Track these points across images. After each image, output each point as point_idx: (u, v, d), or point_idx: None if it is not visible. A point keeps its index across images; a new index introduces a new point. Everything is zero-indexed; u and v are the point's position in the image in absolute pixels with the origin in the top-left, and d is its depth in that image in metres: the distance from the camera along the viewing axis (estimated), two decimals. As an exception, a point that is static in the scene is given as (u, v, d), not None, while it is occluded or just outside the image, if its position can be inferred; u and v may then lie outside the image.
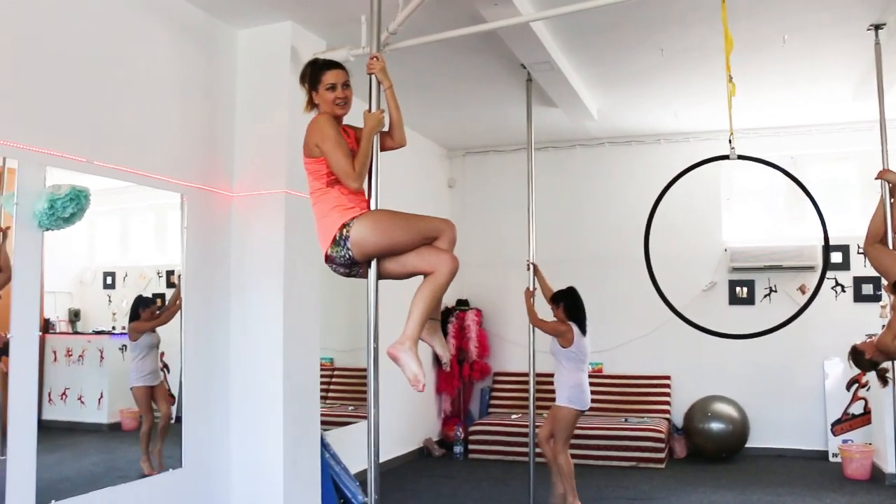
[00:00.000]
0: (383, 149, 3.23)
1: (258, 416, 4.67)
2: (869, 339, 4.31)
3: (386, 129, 3.24)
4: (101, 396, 4.21)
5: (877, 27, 4.79)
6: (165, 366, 4.61)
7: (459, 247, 9.11)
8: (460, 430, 7.56)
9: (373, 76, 3.20)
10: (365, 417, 6.24)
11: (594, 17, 4.71)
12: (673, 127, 7.58)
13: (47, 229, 3.48)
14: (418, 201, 7.26)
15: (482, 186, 8.46)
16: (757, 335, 4.38)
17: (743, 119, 7.10)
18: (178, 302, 4.48)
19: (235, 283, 4.76)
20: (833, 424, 7.03)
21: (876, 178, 4.29)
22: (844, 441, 6.87)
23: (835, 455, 6.90)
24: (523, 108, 5.72)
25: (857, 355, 4.20)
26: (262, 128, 4.77)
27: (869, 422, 6.85)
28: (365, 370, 3.31)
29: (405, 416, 7.09)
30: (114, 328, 4.32)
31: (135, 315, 4.38)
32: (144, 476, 4.23)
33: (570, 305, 5.31)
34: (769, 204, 7.69)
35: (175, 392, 4.55)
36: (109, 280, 4.35)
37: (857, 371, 6.95)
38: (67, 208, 3.39)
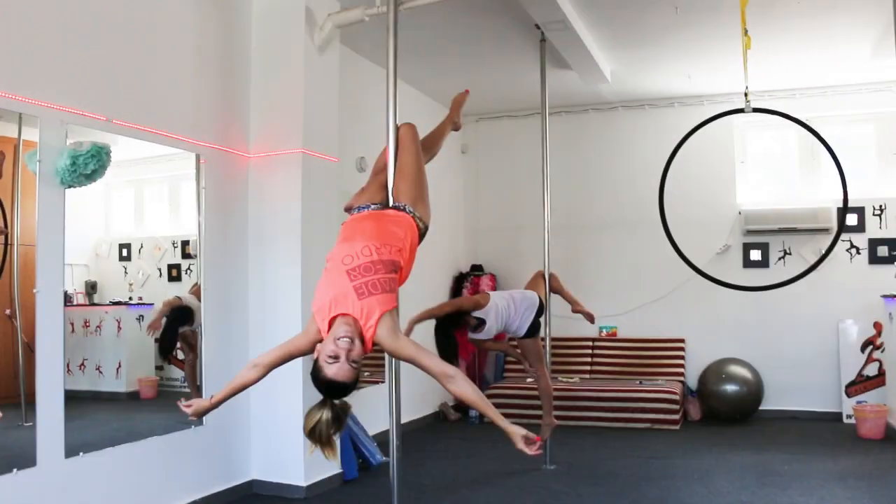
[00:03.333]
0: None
1: (277, 376, 4.70)
2: None
3: None
4: (119, 366, 4.31)
5: (897, -20, 4.73)
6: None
7: (473, 212, 9.10)
8: (475, 393, 7.60)
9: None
10: (379, 382, 6.33)
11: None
12: (687, 90, 7.54)
13: (69, 186, 3.52)
14: (431, 168, 7.23)
15: (495, 152, 8.45)
16: (771, 287, 4.40)
17: (757, 81, 7.01)
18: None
19: (254, 246, 4.81)
20: (847, 386, 7.05)
21: None
22: (859, 402, 6.89)
23: (849, 416, 6.92)
24: (537, 71, 5.70)
25: None
26: (277, 87, 4.78)
27: (883, 383, 6.86)
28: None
29: (419, 380, 7.07)
30: (130, 299, 4.39)
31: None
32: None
33: None
34: (783, 166, 7.65)
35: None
36: (125, 252, 4.43)
37: (872, 333, 7.05)
38: (89, 164, 3.42)
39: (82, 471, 3.64)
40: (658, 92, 7.63)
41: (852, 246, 7.24)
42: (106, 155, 3.51)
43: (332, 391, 2.47)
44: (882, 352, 6.87)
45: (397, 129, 3.26)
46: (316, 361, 2.48)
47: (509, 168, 8.35)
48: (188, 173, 4.56)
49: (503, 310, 5.22)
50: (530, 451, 2.42)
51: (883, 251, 7.15)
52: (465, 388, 2.50)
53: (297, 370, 4.65)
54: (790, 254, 7.39)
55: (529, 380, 7.63)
